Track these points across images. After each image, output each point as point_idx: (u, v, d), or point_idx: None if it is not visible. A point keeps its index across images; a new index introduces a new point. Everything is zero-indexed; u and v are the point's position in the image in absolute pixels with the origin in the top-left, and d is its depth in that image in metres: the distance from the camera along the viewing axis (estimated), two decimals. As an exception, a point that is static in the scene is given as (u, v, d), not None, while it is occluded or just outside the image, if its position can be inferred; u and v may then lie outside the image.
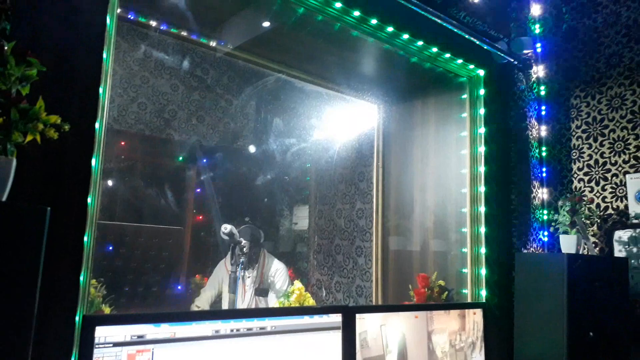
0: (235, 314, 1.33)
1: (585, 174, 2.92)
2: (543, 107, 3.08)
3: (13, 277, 0.96)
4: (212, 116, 4.22)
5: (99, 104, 1.57)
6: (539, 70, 3.07)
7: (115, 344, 1.14)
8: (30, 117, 1.01)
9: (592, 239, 2.78)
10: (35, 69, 1.08)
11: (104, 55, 1.59)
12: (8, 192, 1.05)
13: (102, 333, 1.13)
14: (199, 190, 4.18)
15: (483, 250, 2.71)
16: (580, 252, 2.56)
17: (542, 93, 3.10)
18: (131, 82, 3.84)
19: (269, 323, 1.36)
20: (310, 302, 2.64)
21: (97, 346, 1.11)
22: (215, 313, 1.40)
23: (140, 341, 1.17)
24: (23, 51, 1.05)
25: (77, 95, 1.48)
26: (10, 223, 0.93)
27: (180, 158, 4.13)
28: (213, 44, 2.62)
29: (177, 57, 3.93)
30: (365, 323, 1.58)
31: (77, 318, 1.41)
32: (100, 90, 1.57)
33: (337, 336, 1.51)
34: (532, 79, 3.08)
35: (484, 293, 2.66)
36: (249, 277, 3.15)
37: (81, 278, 1.45)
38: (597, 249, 2.78)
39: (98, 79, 1.56)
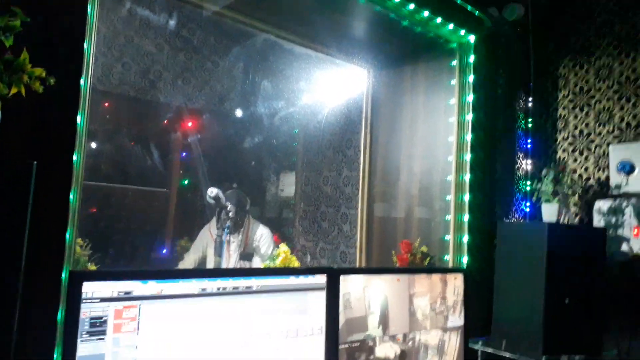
0: (222, 272, 1.34)
1: (570, 144, 2.96)
2: (531, 76, 3.09)
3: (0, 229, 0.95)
4: (198, 78, 4.15)
5: (84, 60, 1.54)
6: (529, 38, 3.07)
7: (103, 299, 1.15)
8: (14, 69, 0.99)
9: (573, 209, 2.84)
10: (19, 19, 1.05)
11: (89, 9, 1.55)
12: (-8, 145, 1.03)
13: (89, 288, 1.13)
14: (184, 153, 4.16)
15: (466, 217, 2.75)
16: (561, 222, 2.61)
17: (532, 62, 3.10)
18: (115, 41, 3.75)
19: (255, 282, 1.38)
20: (296, 264, 2.67)
21: (84, 301, 1.12)
22: (202, 272, 1.42)
23: (127, 297, 1.18)
24: (6, 1, 1.02)
25: (62, 50, 1.44)
26: (-4, 176, 0.92)
27: (166, 120, 4.08)
28: (200, 2, 2.55)
29: (163, 16, 3.83)
30: (348, 285, 1.61)
31: (63, 275, 1.41)
32: (85, 45, 1.54)
33: (321, 296, 1.53)
34: (522, 47, 3.08)
35: (465, 260, 2.71)
36: (233, 241, 3.16)
37: (67, 235, 1.45)
38: (577, 218, 2.84)
39: (83, 34, 1.53)
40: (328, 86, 3.78)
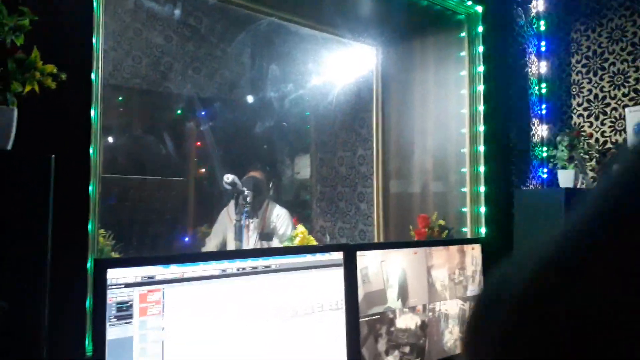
0: (240, 254, 1.38)
1: (585, 109, 2.92)
2: (543, 43, 3.04)
3: (24, 222, 0.99)
4: (208, 67, 4.17)
5: (94, 55, 1.57)
6: (538, 4, 3.01)
7: (127, 285, 1.19)
8: (27, 67, 1.02)
9: (590, 174, 2.81)
10: (28, 18, 1.07)
11: (94, 4, 1.58)
12: (12, 141, 1.07)
13: (114, 275, 1.17)
14: (199, 142, 4.20)
15: (482, 188, 2.75)
16: (578, 187, 2.60)
17: (542, 28, 3.05)
18: (124, 35, 3.78)
19: (273, 262, 1.41)
20: (314, 244, 2.70)
21: (109, 287, 1.16)
22: (221, 254, 1.46)
23: (151, 281, 1.22)
24: (14, 0, 1.05)
25: (71, 46, 1.48)
26: (17, 171, 0.96)
27: (179, 111, 4.12)
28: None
29: (169, 7, 3.84)
30: (365, 260, 1.63)
31: (88, 264, 1.46)
32: (94, 40, 1.57)
33: (339, 273, 1.56)
34: (532, 14, 3.03)
35: (483, 230, 2.72)
36: (252, 222, 3.21)
37: (89, 227, 1.50)
38: (595, 183, 2.81)
39: (90, 29, 1.56)
40: (337, 66, 3.77)
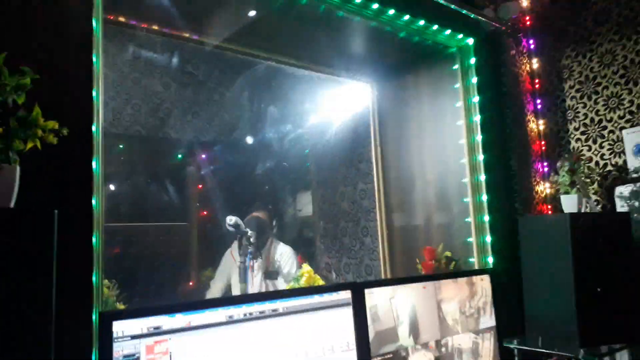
0: (246, 298, 1.36)
1: (582, 132, 2.94)
2: (535, 71, 3.09)
3: (28, 279, 0.99)
4: (207, 111, 4.23)
5: (94, 107, 1.59)
6: (527, 34, 3.08)
7: (133, 337, 1.17)
8: (29, 125, 1.03)
9: (593, 197, 2.81)
10: (29, 77, 1.10)
11: (94, 59, 1.61)
12: (15, 198, 1.07)
13: (120, 327, 1.16)
14: (200, 185, 4.21)
15: (486, 217, 2.74)
16: (582, 211, 2.58)
17: (534, 58, 3.11)
18: (123, 85, 3.84)
19: (280, 305, 1.39)
20: (320, 283, 2.67)
21: (115, 340, 1.15)
22: (226, 299, 1.44)
23: (157, 332, 1.20)
24: (15, 60, 1.07)
25: (72, 101, 1.50)
26: (20, 227, 0.96)
27: (180, 156, 4.14)
28: (201, 38, 2.62)
29: (166, 55, 3.91)
30: (374, 297, 1.61)
31: (93, 316, 1.44)
32: (94, 93, 1.59)
33: (348, 312, 1.54)
34: (522, 43, 3.09)
35: (490, 260, 2.69)
36: (256, 262, 3.18)
37: (93, 278, 1.48)
38: (599, 206, 2.80)
39: (90, 83, 1.58)
40: (333, 104, 3.82)
